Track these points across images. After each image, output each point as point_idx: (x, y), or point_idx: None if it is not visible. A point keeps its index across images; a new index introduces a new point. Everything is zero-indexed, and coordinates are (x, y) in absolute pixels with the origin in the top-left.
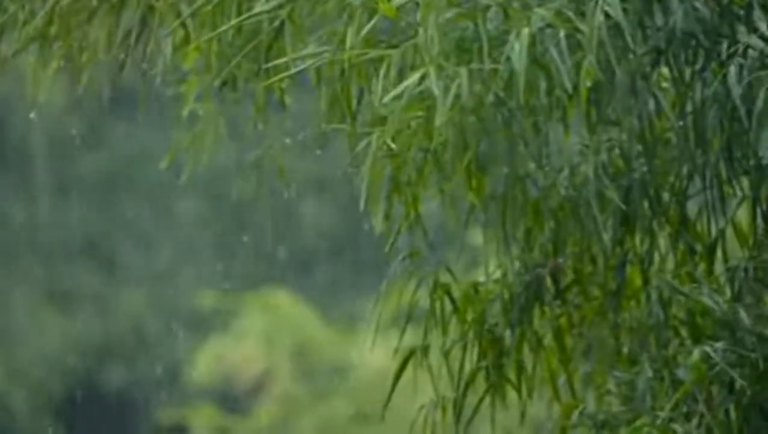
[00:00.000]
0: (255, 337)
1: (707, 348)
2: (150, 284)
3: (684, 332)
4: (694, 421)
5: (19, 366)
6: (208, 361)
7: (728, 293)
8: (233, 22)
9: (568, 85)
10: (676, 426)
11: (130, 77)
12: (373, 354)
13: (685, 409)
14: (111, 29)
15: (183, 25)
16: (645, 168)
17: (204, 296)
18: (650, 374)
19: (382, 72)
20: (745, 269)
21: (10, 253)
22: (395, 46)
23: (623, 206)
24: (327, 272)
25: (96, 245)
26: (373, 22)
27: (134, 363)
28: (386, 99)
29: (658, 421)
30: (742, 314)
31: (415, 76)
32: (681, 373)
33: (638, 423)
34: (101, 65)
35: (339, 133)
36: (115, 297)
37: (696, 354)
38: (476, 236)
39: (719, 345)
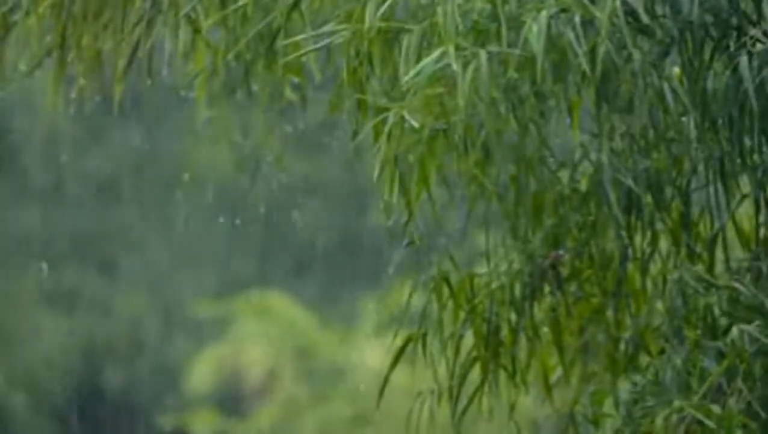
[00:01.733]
0: (254, 340)
1: (745, 327)
2: (149, 287)
3: (704, 321)
4: (732, 399)
5: (18, 369)
6: (208, 365)
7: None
8: (243, 1)
9: (587, 67)
10: (713, 406)
11: (132, 80)
12: (372, 355)
13: (721, 390)
14: (117, 30)
15: (191, 22)
16: (649, 162)
17: (203, 299)
18: (678, 363)
19: (403, 46)
20: (758, 269)
21: (9, 255)
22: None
23: (636, 189)
24: (324, 274)
25: (94, 247)
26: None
27: (134, 367)
28: (406, 76)
29: (693, 401)
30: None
31: (434, 54)
32: (707, 363)
33: (676, 405)
34: (106, 67)
35: (338, 132)
36: (115, 300)
37: (735, 331)
38: (479, 228)
39: (755, 324)
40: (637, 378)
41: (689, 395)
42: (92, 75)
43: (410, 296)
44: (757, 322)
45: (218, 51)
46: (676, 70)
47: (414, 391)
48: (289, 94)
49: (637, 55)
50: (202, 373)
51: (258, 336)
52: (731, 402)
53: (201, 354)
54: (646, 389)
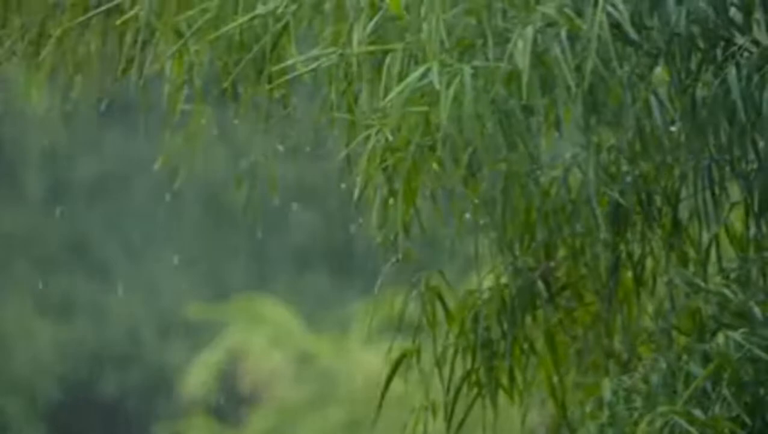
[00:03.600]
0: (247, 346)
1: (731, 333)
2: (143, 293)
3: (692, 326)
4: (717, 406)
5: (13, 374)
6: (202, 371)
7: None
8: (235, 23)
9: (571, 83)
10: (696, 411)
11: (125, 85)
12: (365, 361)
13: (706, 395)
14: (109, 42)
15: (181, 37)
16: (637, 172)
17: (196, 305)
18: (664, 367)
19: (386, 67)
20: (748, 273)
21: (4, 261)
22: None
23: (623, 202)
24: (318, 279)
25: (89, 252)
26: (378, 16)
27: (128, 372)
28: (389, 94)
29: (677, 406)
30: (755, 307)
31: (417, 71)
32: (693, 367)
33: (661, 409)
34: (97, 74)
35: (332, 137)
36: (109, 305)
37: (720, 338)
38: (470, 241)
39: (740, 332)
40: (623, 379)
41: (675, 399)
42: (87, 79)
43: (403, 309)
44: (743, 329)
45: (200, 67)
46: (661, 73)
47: (407, 397)
48: (280, 106)
49: (624, 67)
50: (196, 379)
51: (251, 341)
52: (716, 408)
53: (195, 360)
54: (632, 392)
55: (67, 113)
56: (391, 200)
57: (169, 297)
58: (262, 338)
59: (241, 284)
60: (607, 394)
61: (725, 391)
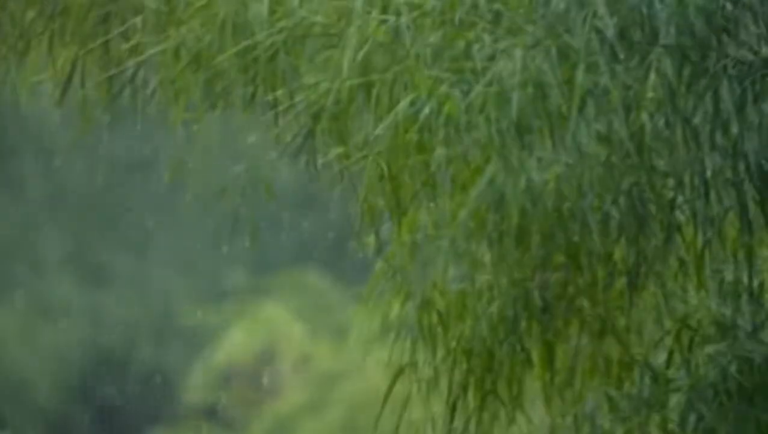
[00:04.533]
0: (247, 348)
1: (710, 349)
2: (141, 296)
3: (682, 337)
4: (692, 419)
5: (11, 378)
6: (200, 373)
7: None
8: (230, 51)
9: (562, 103)
10: (673, 426)
11: (124, 89)
12: (365, 364)
13: (685, 409)
14: (103, 48)
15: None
16: (632, 180)
17: (195, 307)
18: (647, 379)
19: (374, 96)
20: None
21: (2, 263)
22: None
23: (617, 214)
24: (318, 282)
25: (87, 255)
26: (367, 47)
27: (126, 376)
28: (381, 125)
29: (656, 421)
30: (741, 319)
31: (407, 99)
32: (679, 379)
33: (636, 420)
34: (96, 79)
35: (329, 144)
36: (107, 308)
37: (698, 355)
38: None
39: (721, 345)
40: (611, 389)
41: (661, 409)
42: (86, 83)
43: (399, 319)
44: (725, 342)
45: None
46: (654, 83)
47: (407, 402)
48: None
49: (615, 81)
50: (195, 382)
51: (250, 344)
52: (692, 420)
53: (193, 363)
54: (619, 401)
55: (66, 115)
56: (387, 216)
57: (167, 300)
58: (261, 341)
59: (239, 287)
60: (589, 404)
61: (701, 406)
